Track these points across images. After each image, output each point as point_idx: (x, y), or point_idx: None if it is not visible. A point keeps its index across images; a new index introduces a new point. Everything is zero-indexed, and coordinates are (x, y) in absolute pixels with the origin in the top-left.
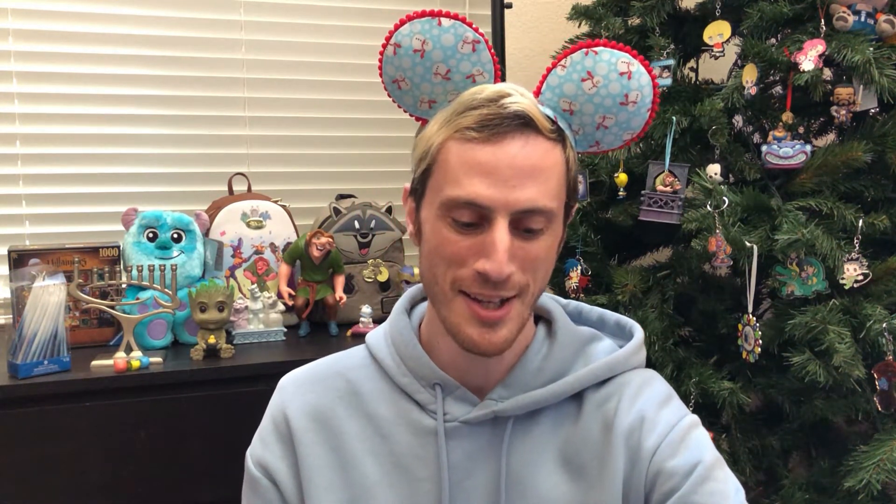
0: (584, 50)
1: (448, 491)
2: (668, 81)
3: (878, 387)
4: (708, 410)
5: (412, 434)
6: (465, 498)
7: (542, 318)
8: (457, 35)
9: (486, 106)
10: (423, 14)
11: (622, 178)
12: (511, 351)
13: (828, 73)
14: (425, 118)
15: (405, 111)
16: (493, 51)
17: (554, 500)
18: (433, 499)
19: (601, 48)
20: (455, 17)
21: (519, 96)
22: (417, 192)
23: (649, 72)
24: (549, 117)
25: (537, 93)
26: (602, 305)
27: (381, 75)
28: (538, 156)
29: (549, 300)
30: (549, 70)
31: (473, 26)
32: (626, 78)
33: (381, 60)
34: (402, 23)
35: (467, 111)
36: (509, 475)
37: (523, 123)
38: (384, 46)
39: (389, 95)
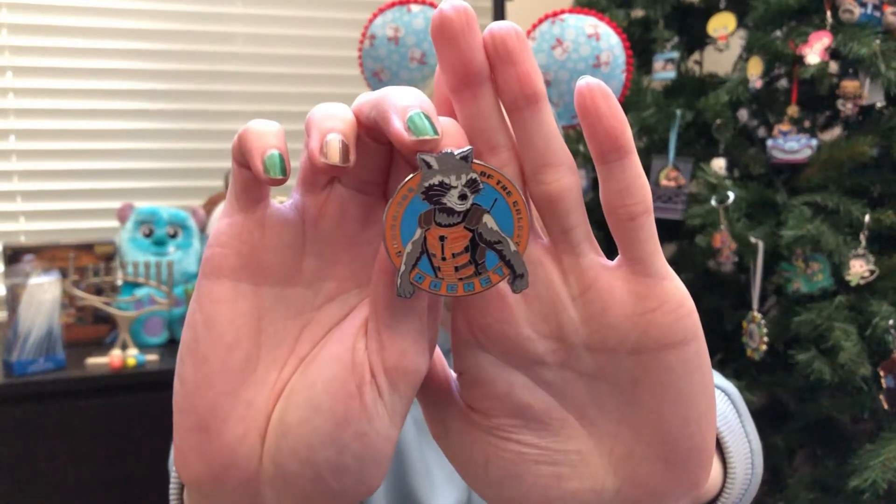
0: (551, 19)
1: None
2: (672, 74)
3: (884, 385)
4: None
5: None
6: None
7: None
8: (426, 18)
9: None
10: (393, 4)
11: None
12: None
13: (834, 67)
14: None
15: None
16: None
17: None
18: None
19: (566, 14)
20: (424, 2)
21: None
22: None
23: (618, 33)
24: None
25: None
26: None
27: (361, 71)
28: None
29: None
30: None
31: None
32: (594, 40)
33: (360, 55)
34: (375, 15)
35: None
36: None
37: None
38: (361, 41)
39: (372, 90)
